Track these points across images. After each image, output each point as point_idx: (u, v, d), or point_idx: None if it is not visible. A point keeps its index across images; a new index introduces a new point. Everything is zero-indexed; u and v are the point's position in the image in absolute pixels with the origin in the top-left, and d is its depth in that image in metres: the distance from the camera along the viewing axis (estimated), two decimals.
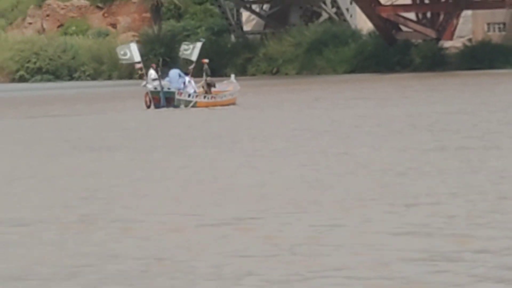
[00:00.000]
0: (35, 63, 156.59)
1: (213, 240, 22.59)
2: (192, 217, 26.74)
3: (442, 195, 28.45)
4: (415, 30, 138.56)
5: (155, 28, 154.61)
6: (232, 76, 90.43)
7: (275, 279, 16.50)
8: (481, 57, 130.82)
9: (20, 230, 24.87)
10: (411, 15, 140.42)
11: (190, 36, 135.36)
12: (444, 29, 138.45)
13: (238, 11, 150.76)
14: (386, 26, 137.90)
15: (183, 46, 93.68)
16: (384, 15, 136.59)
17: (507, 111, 70.30)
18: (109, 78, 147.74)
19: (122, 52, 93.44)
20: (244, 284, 15.56)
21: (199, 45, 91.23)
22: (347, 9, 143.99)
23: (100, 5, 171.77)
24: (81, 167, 42.70)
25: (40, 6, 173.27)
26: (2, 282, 17.21)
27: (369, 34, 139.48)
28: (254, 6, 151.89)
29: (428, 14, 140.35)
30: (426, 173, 34.93)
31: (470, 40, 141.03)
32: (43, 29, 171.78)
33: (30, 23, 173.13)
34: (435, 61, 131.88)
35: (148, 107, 78.92)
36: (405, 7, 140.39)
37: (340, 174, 36.37)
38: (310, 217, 25.38)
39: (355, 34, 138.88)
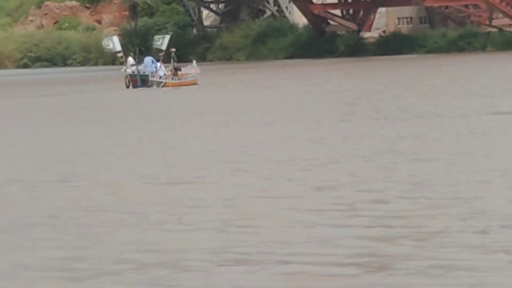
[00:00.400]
0: (35, 52, 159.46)
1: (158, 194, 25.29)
2: (142, 176, 28.40)
3: (337, 156, 31.35)
4: (340, 24, 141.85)
5: (132, 23, 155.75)
6: (194, 61, 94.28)
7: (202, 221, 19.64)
8: (392, 45, 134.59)
9: None
10: (337, 12, 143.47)
11: (160, 30, 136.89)
12: (364, 23, 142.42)
13: (199, 9, 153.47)
14: (317, 21, 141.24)
15: (155, 38, 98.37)
16: (315, 12, 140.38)
17: (407, 86, 73.86)
18: (96, 64, 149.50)
19: (106, 43, 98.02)
20: (169, 229, 18.11)
21: (167, 37, 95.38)
22: (286, 7, 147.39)
23: (88, 5, 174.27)
24: (67, 135, 44.48)
25: (39, 7, 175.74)
26: None
27: (304, 27, 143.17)
28: (212, 5, 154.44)
29: (351, 11, 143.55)
30: (331, 138, 37.49)
31: (384, 31, 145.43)
32: (42, 25, 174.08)
33: (32, 21, 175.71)
34: (356, 49, 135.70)
35: (128, 87, 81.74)
36: (333, 5, 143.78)
37: (270, 140, 37.80)
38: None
39: (292, 28, 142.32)
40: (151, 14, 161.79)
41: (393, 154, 31.28)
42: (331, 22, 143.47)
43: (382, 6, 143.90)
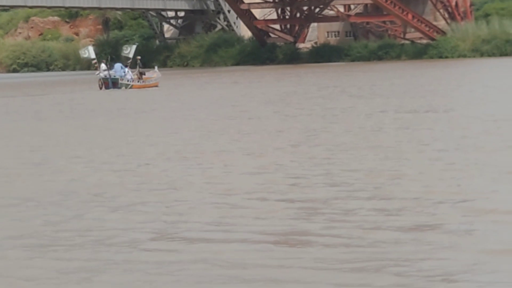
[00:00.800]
0: (23, 59, 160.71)
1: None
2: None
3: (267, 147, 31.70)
4: (279, 36, 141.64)
5: (105, 35, 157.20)
6: (156, 67, 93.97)
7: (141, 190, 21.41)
8: (323, 54, 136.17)
9: None
10: (277, 26, 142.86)
11: (128, 41, 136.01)
12: (299, 36, 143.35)
13: (161, 24, 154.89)
14: (260, 34, 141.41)
15: (124, 48, 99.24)
16: (258, 26, 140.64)
17: (331, 87, 74.90)
18: (74, 69, 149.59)
19: (83, 52, 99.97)
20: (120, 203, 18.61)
21: (134, 47, 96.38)
22: (234, 22, 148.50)
23: (67, 20, 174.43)
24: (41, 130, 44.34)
25: (27, 21, 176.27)
26: None
27: (249, 39, 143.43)
28: (172, 20, 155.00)
29: (288, 26, 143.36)
30: (258, 131, 38.16)
31: (316, 43, 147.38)
32: (29, 37, 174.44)
33: (20, 33, 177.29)
34: (293, 57, 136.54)
35: (101, 88, 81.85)
36: (273, 21, 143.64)
37: (205, 134, 37.72)
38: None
39: (239, 39, 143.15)
40: (121, 28, 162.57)
41: (310, 144, 31.93)
42: (272, 35, 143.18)
43: (314, 21, 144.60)
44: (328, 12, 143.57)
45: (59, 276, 12.88)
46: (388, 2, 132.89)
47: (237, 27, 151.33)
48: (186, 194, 21.45)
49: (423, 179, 22.06)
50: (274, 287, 11.38)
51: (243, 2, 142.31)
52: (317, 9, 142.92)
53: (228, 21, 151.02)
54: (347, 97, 63.91)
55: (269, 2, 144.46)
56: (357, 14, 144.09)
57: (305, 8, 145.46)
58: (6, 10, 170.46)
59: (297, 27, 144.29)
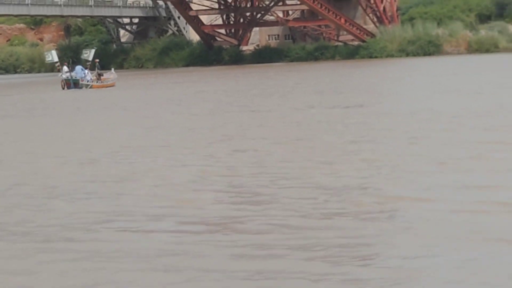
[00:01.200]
0: None
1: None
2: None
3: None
4: (224, 40, 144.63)
5: (67, 41, 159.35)
6: (112, 69, 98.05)
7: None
8: (264, 56, 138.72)
9: None
10: (222, 30, 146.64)
11: (88, 46, 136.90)
12: (242, 39, 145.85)
13: (117, 29, 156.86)
14: (207, 38, 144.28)
15: (83, 51, 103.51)
16: (206, 31, 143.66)
17: (268, 85, 76.56)
18: (39, 72, 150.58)
19: (47, 56, 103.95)
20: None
21: (93, 51, 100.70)
22: (184, 28, 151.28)
23: (33, 27, 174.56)
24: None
25: None
26: None
27: (197, 42, 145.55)
28: (127, 26, 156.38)
29: (233, 30, 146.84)
30: (200, 126, 40.40)
31: (258, 45, 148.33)
32: None
33: None
34: (237, 59, 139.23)
35: (63, 88, 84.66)
36: (219, 26, 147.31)
37: (153, 129, 39.92)
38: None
39: (188, 43, 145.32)
40: (81, 33, 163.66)
41: (243, 137, 34.04)
42: (218, 39, 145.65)
43: (256, 26, 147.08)
44: (269, 17, 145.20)
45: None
46: (323, 8, 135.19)
47: (186, 31, 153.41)
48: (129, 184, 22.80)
49: (339, 167, 23.50)
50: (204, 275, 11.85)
51: (192, 9, 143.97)
52: (259, 15, 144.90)
53: (178, 27, 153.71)
54: (278, 94, 64.54)
55: (215, 9, 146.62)
56: (295, 19, 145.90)
57: (247, 14, 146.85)
58: None
59: (240, 31, 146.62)
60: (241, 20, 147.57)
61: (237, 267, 12.57)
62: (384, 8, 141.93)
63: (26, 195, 22.15)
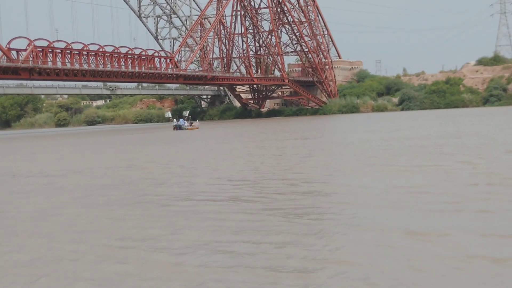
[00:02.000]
0: (140, 117, 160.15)
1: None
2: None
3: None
4: (252, 105, 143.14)
5: (175, 106, 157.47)
6: (197, 120, 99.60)
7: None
8: (272, 113, 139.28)
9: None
10: (252, 101, 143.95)
11: (185, 109, 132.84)
12: (261, 105, 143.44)
13: (200, 101, 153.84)
14: (244, 105, 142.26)
15: (183, 112, 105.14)
16: (243, 101, 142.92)
17: (270, 127, 69.09)
18: (161, 122, 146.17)
19: (166, 114, 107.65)
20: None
21: (188, 111, 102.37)
22: (232, 100, 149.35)
23: (159, 100, 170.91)
24: None
25: (141, 100, 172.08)
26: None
27: (239, 107, 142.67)
28: (205, 99, 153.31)
29: (256, 101, 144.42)
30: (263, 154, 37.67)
31: (269, 108, 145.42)
32: (142, 107, 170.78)
33: (138, 105, 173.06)
34: (259, 115, 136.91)
35: (174, 130, 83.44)
36: (249, 99, 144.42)
37: (213, 150, 40.31)
38: None
39: (235, 107, 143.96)
40: (182, 103, 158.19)
41: (253, 154, 32.10)
42: (249, 105, 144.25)
43: (268, 99, 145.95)
44: (273, 94, 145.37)
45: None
46: (301, 89, 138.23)
47: (233, 101, 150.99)
48: (198, 179, 21.50)
49: (300, 169, 22.21)
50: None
51: (236, 91, 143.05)
52: (269, 93, 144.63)
53: (230, 99, 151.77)
54: (274, 131, 63.13)
55: (248, 91, 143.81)
56: (287, 95, 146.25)
57: (263, 93, 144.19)
58: (132, 95, 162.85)
59: (260, 101, 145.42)
60: (260, 96, 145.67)
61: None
62: (331, 89, 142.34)
63: (176, 174, 22.83)
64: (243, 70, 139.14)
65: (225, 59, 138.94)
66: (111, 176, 23.59)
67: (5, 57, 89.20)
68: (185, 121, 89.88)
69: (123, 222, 13.07)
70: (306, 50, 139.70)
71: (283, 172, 21.20)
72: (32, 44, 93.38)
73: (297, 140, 44.13)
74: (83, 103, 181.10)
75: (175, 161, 29.13)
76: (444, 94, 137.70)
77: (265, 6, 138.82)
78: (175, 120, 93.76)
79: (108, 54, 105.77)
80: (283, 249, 10.07)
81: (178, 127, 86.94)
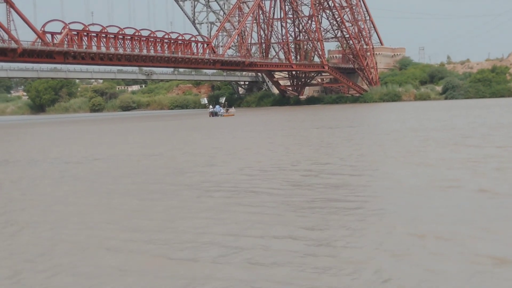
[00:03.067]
0: (175, 103, 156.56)
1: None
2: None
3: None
4: (291, 92, 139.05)
5: (212, 93, 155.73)
6: (233, 107, 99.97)
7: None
8: (311, 101, 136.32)
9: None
10: (290, 88, 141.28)
11: (222, 95, 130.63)
12: (300, 92, 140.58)
13: (237, 87, 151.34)
14: (282, 92, 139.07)
15: (220, 98, 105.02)
16: (282, 88, 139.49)
17: (309, 115, 66.22)
18: (197, 108, 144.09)
19: (202, 100, 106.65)
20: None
21: (224, 98, 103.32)
22: (270, 86, 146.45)
23: (195, 86, 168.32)
24: None
25: (177, 86, 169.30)
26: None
27: (277, 94, 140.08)
28: (242, 85, 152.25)
29: (295, 88, 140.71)
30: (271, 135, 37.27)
31: (308, 95, 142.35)
32: (178, 93, 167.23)
33: (174, 91, 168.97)
34: (297, 102, 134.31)
35: (210, 116, 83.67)
36: (288, 86, 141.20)
37: (252, 135, 38.85)
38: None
39: (273, 94, 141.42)
40: (219, 89, 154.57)
41: (290, 139, 32.48)
42: (287, 92, 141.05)
43: (307, 86, 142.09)
44: (313, 81, 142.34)
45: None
46: (341, 77, 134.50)
47: (272, 88, 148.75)
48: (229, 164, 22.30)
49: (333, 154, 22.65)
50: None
51: (274, 77, 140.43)
52: (308, 80, 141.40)
53: (268, 86, 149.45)
54: (311, 119, 61.84)
55: (286, 77, 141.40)
56: (326, 83, 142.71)
57: (303, 79, 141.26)
58: (168, 81, 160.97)
59: (299, 89, 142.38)
60: (299, 82, 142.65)
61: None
62: (372, 77, 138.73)
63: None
64: (281, 56, 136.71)
65: (264, 45, 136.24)
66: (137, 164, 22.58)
67: (40, 41, 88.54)
68: (221, 108, 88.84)
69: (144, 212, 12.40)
70: (347, 36, 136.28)
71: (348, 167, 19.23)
72: (67, 27, 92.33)
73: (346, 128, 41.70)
74: (118, 88, 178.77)
75: (218, 149, 27.59)
76: (490, 83, 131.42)
77: None
78: (211, 106, 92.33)
79: (144, 38, 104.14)
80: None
81: (214, 114, 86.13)
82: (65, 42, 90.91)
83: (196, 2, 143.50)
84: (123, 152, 28.36)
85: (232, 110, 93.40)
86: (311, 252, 8.83)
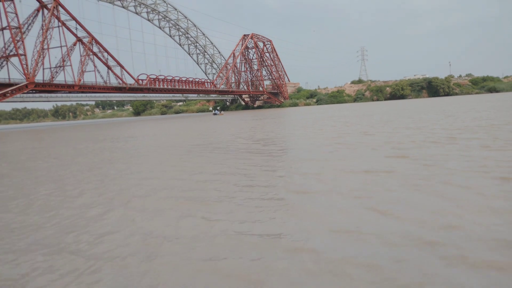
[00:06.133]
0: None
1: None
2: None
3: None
4: (249, 103, 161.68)
5: (215, 105, 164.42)
6: (222, 111, 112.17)
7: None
8: (259, 107, 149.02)
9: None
10: (249, 101, 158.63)
11: (218, 106, 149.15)
12: (254, 102, 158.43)
13: (226, 101, 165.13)
14: (246, 103, 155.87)
15: (217, 108, 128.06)
16: (245, 101, 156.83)
17: (252, 115, 61.08)
18: (205, 112, 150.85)
19: (210, 108, 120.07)
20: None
21: (218, 107, 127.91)
22: (241, 101, 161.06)
23: (205, 101, 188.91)
24: None
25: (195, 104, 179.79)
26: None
27: (244, 105, 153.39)
28: (228, 100, 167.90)
29: (251, 101, 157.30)
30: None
31: (257, 105, 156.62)
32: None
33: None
34: (247, 108, 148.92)
35: (213, 115, 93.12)
36: (248, 101, 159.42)
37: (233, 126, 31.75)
38: None
39: (242, 105, 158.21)
40: (216, 103, 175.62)
41: (256, 130, 23.01)
42: (249, 103, 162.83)
43: (257, 100, 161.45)
44: (259, 98, 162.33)
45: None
46: (271, 96, 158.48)
47: (241, 101, 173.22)
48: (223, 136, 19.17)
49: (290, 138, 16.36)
50: None
51: (242, 97, 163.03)
52: (258, 97, 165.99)
53: (240, 101, 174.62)
54: (262, 115, 56.39)
55: (248, 97, 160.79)
56: (266, 98, 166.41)
57: (255, 97, 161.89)
58: (195, 100, 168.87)
59: (254, 101, 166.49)
60: (253, 99, 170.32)
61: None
62: (285, 96, 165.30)
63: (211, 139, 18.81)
64: (246, 87, 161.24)
65: (237, 82, 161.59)
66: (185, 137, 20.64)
67: (136, 83, 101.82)
68: (217, 111, 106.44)
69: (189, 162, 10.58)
70: (274, 78, 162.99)
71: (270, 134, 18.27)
72: (148, 76, 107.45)
73: (277, 118, 38.73)
74: (173, 103, 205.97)
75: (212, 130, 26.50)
76: (336, 97, 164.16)
77: (255, 58, 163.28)
78: (213, 111, 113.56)
79: (184, 80, 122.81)
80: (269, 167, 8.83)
81: (215, 114, 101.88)
82: (148, 83, 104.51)
83: (206, 65, 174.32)
84: (186, 131, 25.98)
85: (223, 112, 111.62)
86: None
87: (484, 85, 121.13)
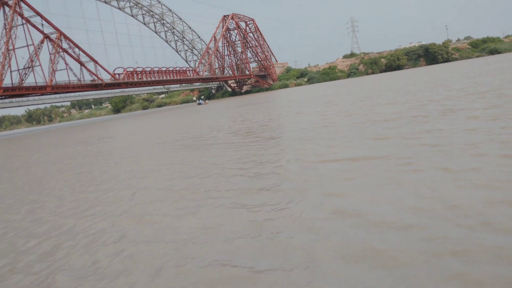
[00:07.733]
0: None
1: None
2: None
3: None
4: (236, 89, 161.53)
5: (199, 94, 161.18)
6: (207, 100, 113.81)
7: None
8: (247, 93, 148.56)
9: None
10: (236, 86, 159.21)
11: (203, 95, 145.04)
12: (242, 88, 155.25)
13: (211, 89, 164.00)
14: (233, 89, 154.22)
15: (201, 97, 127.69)
16: (232, 87, 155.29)
17: (242, 100, 62.16)
18: (190, 102, 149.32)
19: (194, 98, 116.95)
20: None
21: (203, 96, 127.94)
22: (228, 87, 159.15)
23: (189, 90, 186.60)
24: None
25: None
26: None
27: (231, 91, 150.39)
28: (214, 88, 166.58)
29: (239, 86, 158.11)
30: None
31: (244, 90, 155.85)
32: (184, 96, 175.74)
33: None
34: (240, 94, 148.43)
35: (197, 105, 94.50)
36: (235, 86, 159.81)
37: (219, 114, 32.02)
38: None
39: (228, 92, 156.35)
40: (201, 92, 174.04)
41: (244, 117, 23.67)
42: (236, 89, 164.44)
43: (244, 85, 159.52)
44: (247, 83, 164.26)
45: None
46: (259, 79, 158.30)
47: (227, 88, 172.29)
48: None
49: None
50: None
51: (228, 83, 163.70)
52: (245, 82, 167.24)
53: (226, 87, 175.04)
54: (250, 100, 56.40)
55: (234, 82, 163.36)
56: (254, 82, 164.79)
57: (242, 82, 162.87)
58: (177, 91, 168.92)
59: (241, 86, 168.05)
60: (240, 84, 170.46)
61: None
62: (273, 78, 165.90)
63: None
64: (231, 72, 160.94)
65: (221, 67, 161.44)
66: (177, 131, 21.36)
67: (112, 78, 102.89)
68: (202, 101, 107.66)
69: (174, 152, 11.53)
70: (260, 60, 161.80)
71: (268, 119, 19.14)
72: (125, 70, 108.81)
73: (268, 102, 38.28)
74: (154, 96, 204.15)
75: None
76: (328, 74, 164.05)
77: (238, 40, 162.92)
78: (198, 100, 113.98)
79: (164, 70, 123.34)
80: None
81: (199, 104, 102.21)
82: (125, 77, 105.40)
83: (186, 52, 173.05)
84: (174, 124, 27.00)
85: (208, 101, 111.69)
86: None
87: (484, 47, 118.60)
